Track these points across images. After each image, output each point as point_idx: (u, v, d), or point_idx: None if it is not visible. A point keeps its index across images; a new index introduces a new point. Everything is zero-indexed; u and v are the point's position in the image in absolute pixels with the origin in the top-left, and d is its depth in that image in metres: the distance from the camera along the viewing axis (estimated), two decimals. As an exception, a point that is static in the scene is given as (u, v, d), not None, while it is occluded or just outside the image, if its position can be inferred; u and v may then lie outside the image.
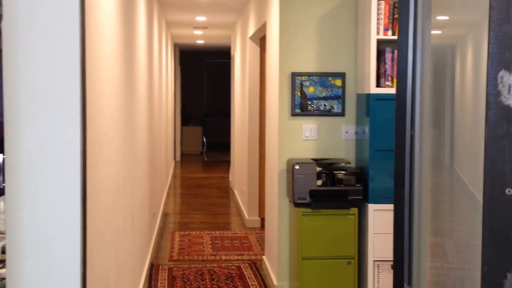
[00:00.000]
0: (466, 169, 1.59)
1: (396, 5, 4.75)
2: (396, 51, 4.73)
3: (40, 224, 2.24)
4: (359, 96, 4.99)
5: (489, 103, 1.17)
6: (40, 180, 2.23)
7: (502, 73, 1.15)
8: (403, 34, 1.57)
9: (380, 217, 4.69)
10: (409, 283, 1.87)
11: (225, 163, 14.31)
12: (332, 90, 5.06)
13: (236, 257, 6.46)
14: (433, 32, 1.62)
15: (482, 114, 1.36)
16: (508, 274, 1.17)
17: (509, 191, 1.17)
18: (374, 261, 4.71)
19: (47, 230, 2.24)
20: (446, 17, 1.67)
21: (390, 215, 4.63)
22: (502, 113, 1.16)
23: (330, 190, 4.72)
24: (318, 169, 4.76)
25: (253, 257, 6.44)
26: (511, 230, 1.17)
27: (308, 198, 4.69)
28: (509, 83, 1.16)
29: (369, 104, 4.70)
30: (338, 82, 5.06)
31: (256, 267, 6.03)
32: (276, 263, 5.22)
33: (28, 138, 2.21)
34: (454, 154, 1.69)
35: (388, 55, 4.74)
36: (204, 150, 17.60)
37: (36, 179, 2.23)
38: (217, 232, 7.69)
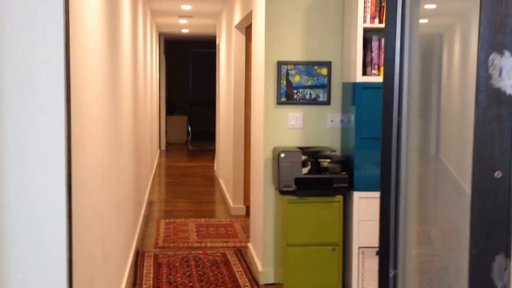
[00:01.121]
0: (451, 156, 1.61)
1: (382, -6, 4.76)
2: (382, 40, 4.75)
3: (26, 210, 2.24)
4: (345, 85, 5.01)
5: (479, 86, 1.18)
6: (25, 166, 2.23)
7: (493, 56, 1.17)
8: (391, 20, 1.58)
9: (365, 205, 4.73)
10: (395, 268, 1.89)
11: (210, 152, 14.31)
12: (318, 79, 5.08)
13: (221, 244, 6.49)
14: (421, 20, 1.64)
15: (467, 100, 1.38)
16: (497, 256, 1.20)
17: (498, 174, 1.19)
18: (359, 247, 4.76)
19: (33, 216, 2.25)
20: (435, 4, 1.69)
21: (375, 203, 4.67)
22: (492, 96, 1.18)
23: (316, 178, 4.75)
24: (304, 157, 4.78)
25: (238, 244, 6.47)
26: (499, 213, 1.19)
27: (293, 186, 4.71)
28: (500, 66, 1.17)
29: (355, 93, 4.73)
30: (324, 71, 5.08)
31: (241, 254, 6.07)
32: (261, 249, 5.25)
33: (12, 123, 2.21)
34: (440, 141, 1.71)
35: (374, 44, 4.76)
36: (189, 139, 17.58)
37: (21, 165, 2.23)
38: (202, 219, 7.71)
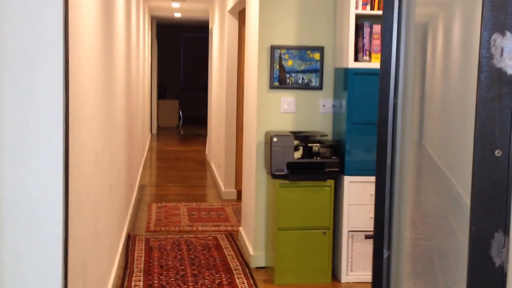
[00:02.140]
0: (437, 142, 1.64)
1: (376, -21, 4.77)
2: (374, 26, 4.77)
3: (22, 188, 2.24)
4: (337, 70, 5.03)
5: (481, 66, 1.20)
6: (22, 147, 2.23)
7: (495, 36, 1.19)
8: (388, 2, 1.60)
9: (355, 189, 4.77)
10: (389, 249, 1.91)
11: (201, 137, 14.31)
12: (310, 64, 5.09)
13: (212, 228, 6.52)
14: (418, 2, 1.65)
15: (465, 82, 1.40)
16: (496, 234, 1.22)
17: (498, 152, 1.22)
18: (349, 231, 4.80)
19: (29, 197, 2.24)
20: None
21: (365, 187, 4.74)
22: (494, 76, 1.20)
23: (307, 162, 4.78)
24: (296, 141, 4.81)
25: (229, 228, 6.50)
26: (499, 191, 1.22)
27: (285, 170, 4.74)
28: (502, 46, 1.19)
29: (347, 78, 4.75)
30: (317, 56, 5.09)
31: (233, 237, 6.10)
32: (252, 233, 5.28)
33: (10, 101, 2.20)
34: (423, 128, 1.74)
35: (366, 30, 4.78)
36: (180, 123, 17.56)
37: (18, 146, 2.22)
38: (194, 203, 7.73)
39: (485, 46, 1.19)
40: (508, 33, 1.18)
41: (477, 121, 1.21)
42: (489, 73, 1.20)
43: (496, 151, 1.21)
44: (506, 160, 1.21)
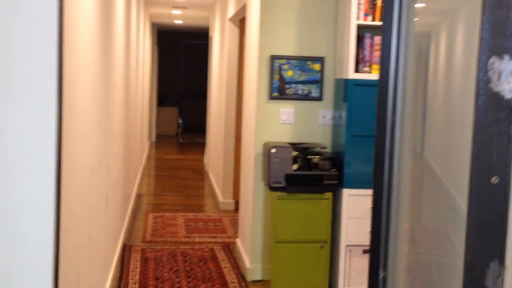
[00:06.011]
0: (437, 157, 1.59)
1: (377, -9, 4.74)
2: (375, 37, 4.72)
3: (12, 203, 2.19)
4: (337, 81, 4.99)
5: (478, 90, 1.15)
6: (13, 157, 2.18)
7: (493, 59, 1.14)
8: (387, 18, 1.55)
9: (354, 202, 4.71)
10: (384, 269, 1.87)
11: (200, 145, 14.27)
12: (310, 75, 5.05)
13: (209, 240, 6.45)
14: (417, 19, 1.61)
15: (463, 103, 1.35)
16: (491, 263, 1.17)
17: (495, 179, 1.17)
18: (347, 245, 4.74)
19: (19, 209, 2.20)
20: (432, 3, 1.66)
21: (364, 200, 4.68)
22: (491, 100, 1.15)
23: (306, 175, 4.72)
24: (294, 153, 4.75)
25: (226, 240, 6.44)
26: (495, 219, 1.17)
27: (283, 182, 4.68)
28: (500, 70, 1.14)
29: (347, 90, 4.70)
30: (317, 67, 5.04)
31: (229, 249, 6.04)
32: (249, 246, 5.23)
33: (0, 112, 2.15)
34: (425, 142, 1.69)
35: (367, 41, 4.73)
36: (180, 131, 17.51)
37: (8, 156, 2.18)
38: (191, 214, 7.67)
39: (483, 70, 1.14)
40: (506, 56, 1.13)
41: (473, 147, 1.16)
42: (486, 97, 1.15)
43: (492, 178, 1.16)
44: (503, 187, 1.16)
